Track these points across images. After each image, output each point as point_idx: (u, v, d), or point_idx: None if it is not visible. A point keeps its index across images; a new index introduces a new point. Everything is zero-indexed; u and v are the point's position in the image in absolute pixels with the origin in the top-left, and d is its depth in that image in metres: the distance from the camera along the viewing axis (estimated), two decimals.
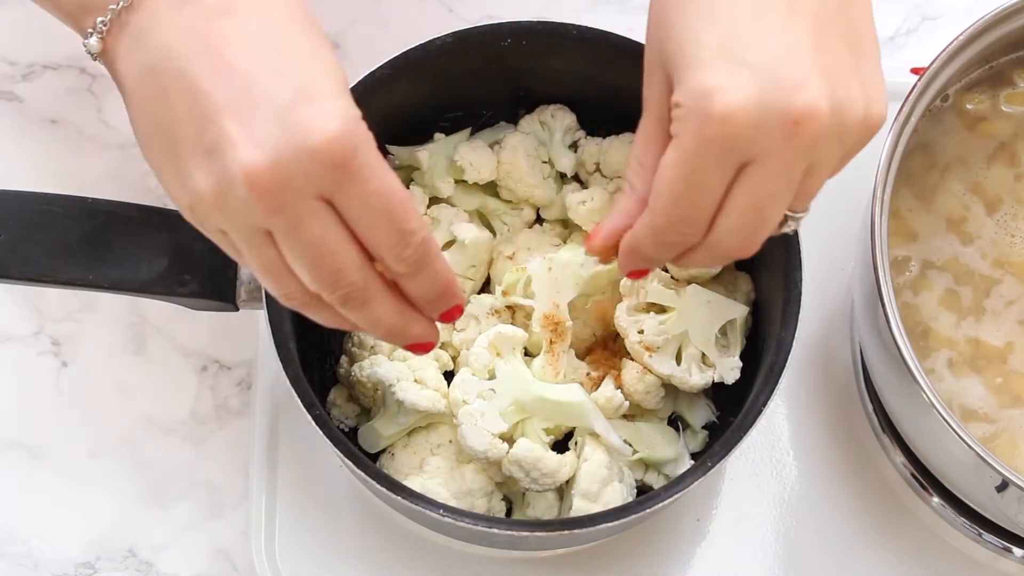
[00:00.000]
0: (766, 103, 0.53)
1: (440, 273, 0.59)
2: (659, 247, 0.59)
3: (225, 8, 0.55)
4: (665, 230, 0.58)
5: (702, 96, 0.54)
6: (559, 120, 0.83)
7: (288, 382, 0.70)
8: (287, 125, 0.53)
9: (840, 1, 0.57)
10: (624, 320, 0.77)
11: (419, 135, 0.82)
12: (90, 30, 0.58)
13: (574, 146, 0.84)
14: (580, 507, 0.74)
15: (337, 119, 0.53)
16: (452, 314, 0.62)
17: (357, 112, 0.55)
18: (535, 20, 0.78)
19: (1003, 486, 0.69)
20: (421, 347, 0.63)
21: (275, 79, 0.54)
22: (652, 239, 0.59)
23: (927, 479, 0.83)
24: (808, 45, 0.55)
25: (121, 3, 0.57)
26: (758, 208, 0.56)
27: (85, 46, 0.59)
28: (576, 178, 0.85)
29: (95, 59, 0.60)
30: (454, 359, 0.80)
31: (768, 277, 0.78)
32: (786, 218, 0.59)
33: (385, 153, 0.78)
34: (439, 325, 0.63)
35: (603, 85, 0.79)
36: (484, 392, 0.75)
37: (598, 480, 0.74)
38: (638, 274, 0.65)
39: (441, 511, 0.68)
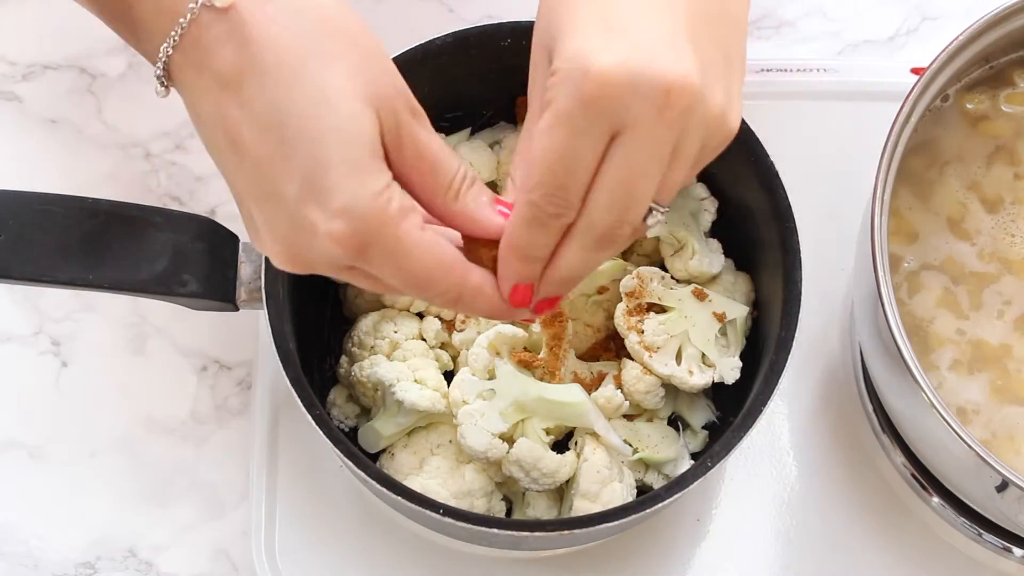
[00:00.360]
0: (641, 68, 0.54)
1: (483, 305, 0.60)
2: (534, 225, 0.57)
3: (236, 76, 0.55)
4: (539, 201, 0.56)
5: (578, 57, 0.54)
6: None
7: (288, 382, 0.71)
8: (297, 226, 0.55)
9: (722, 12, 0.58)
10: (624, 320, 0.77)
11: None
12: (156, 81, 0.59)
13: None
14: (580, 507, 0.74)
15: (341, 219, 0.55)
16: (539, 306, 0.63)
17: (371, 190, 0.55)
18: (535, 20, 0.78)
19: (1003, 486, 0.69)
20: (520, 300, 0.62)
21: (283, 171, 0.55)
22: (527, 215, 0.57)
23: (927, 479, 0.83)
24: (683, 31, 0.56)
25: (160, 64, 0.58)
26: (628, 182, 0.56)
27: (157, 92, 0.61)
28: None
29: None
30: (454, 359, 0.80)
31: (768, 277, 0.78)
32: (651, 210, 0.58)
33: None
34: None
35: None
36: (484, 392, 0.75)
37: (598, 480, 0.74)
38: (522, 297, 0.60)
39: (441, 511, 0.68)
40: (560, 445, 0.78)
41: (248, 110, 0.55)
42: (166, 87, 0.59)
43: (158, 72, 0.58)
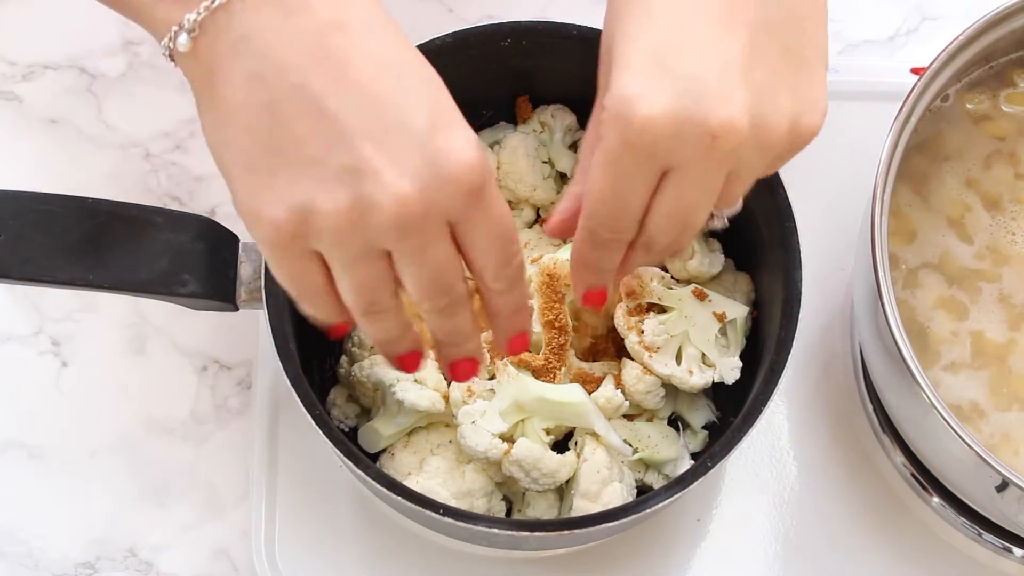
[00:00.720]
0: (684, 115, 0.54)
1: (525, 292, 0.61)
2: (596, 247, 0.60)
3: (339, 21, 0.54)
4: (597, 229, 0.59)
5: (624, 102, 0.54)
6: (559, 120, 0.83)
7: (288, 382, 0.70)
8: (429, 154, 0.53)
9: (786, 12, 0.57)
10: (624, 320, 0.77)
11: None
12: (176, 27, 0.55)
13: (574, 146, 0.84)
14: (580, 507, 0.74)
15: (473, 147, 0.54)
16: (523, 340, 0.63)
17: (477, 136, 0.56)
18: (535, 20, 0.78)
19: (1003, 486, 0.69)
20: (413, 363, 0.63)
21: (406, 103, 0.54)
22: (588, 239, 0.60)
23: (927, 479, 0.83)
24: (739, 58, 0.55)
25: (217, 1, 0.54)
26: (682, 213, 0.58)
27: (169, 42, 0.56)
28: None
29: (170, 58, 0.57)
30: None
31: (768, 277, 0.78)
32: (712, 215, 0.60)
33: None
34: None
35: None
36: (484, 392, 0.75)
37: (598, 480, 0.74)
38: (595, 298, 0.65)
39: (441, 511, 0.68)
40: (560, 445, 0.78)
41: (361, 49, 0.54)
42: (194, 37, 0.55)
43: (198, 16, 0.55)
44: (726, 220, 0.61)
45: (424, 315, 0.60)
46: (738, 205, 0.61)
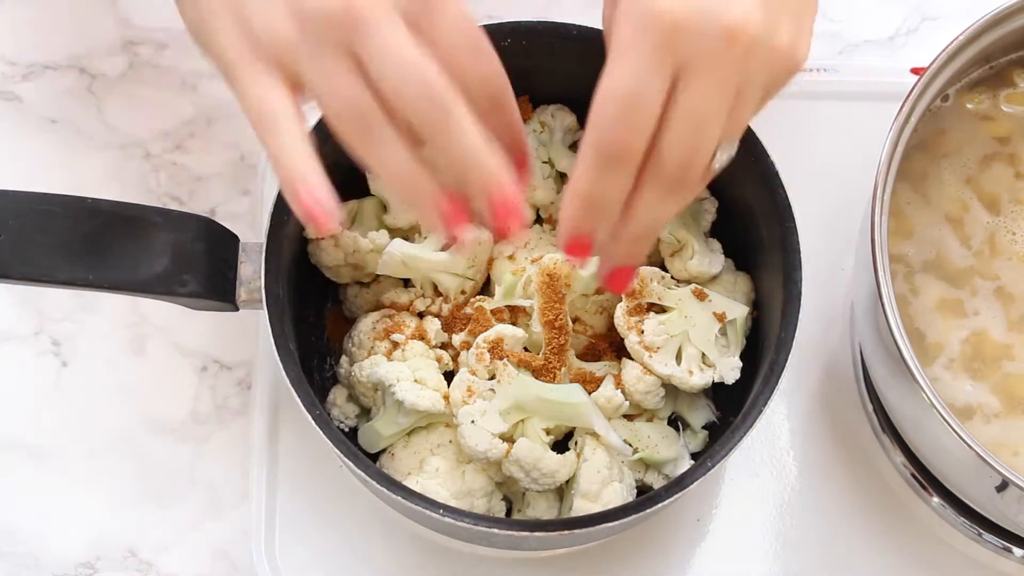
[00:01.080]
0: (705, 6, 0.54)
1: (517, 121, 0.60)
2: (600, 168, 0.56)
3: None
4: (605, 141, 0.55)
5: None
6: (559, 120, 0.83)
7: (288, 382, 0.71)
8: None
9: None
10: (624, 320, 0.77)
11: None
12: None
13: (574, 146, 0.84)
14: (580, 507, 0.74)
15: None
16: (518, 215, 0.59)
17: None
18: (535, 20, 0.78)
19: (1003, 486, 0.69)
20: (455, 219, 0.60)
21: None
22: (593, 157, 0.56)
23: (927, 479, 0.83)
24: None
25: None
26: (696, 120, 0.56)
27: None
28: None
29: None
30: (454, 359, 0.80)
31: (768, 277, 0.78)
32: (717, 149, 0.58)
33: None
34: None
35: None
36: (484, 392, 0.75)
37: (598, 480, 0.74)
38: (581, 249, 0.59)
39: (441, 511, 0.68)
40: (560, 445, 0.78)
41: None
42: None
43: None
44: (726, 160, 0.59)
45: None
46: (734, 146, 0.59)
